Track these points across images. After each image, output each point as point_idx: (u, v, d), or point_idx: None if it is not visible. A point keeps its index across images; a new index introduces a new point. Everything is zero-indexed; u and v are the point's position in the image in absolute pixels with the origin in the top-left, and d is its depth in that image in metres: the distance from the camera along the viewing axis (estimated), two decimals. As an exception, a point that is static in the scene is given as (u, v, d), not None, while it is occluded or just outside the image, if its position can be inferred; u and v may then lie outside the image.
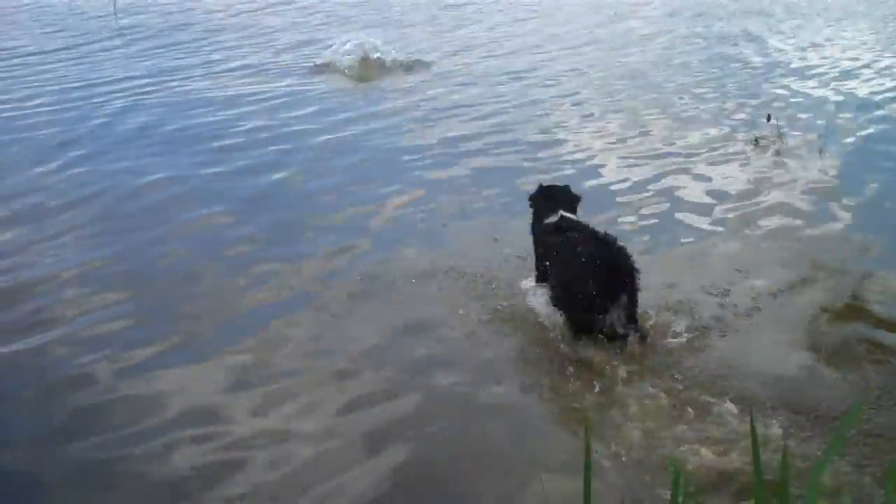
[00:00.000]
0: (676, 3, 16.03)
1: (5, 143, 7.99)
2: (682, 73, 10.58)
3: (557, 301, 4.16)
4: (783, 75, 10.49)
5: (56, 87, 9.95)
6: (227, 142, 7.91)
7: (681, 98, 9.38)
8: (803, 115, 8.67)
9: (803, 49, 12.07)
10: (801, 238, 5.75)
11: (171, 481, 3.46)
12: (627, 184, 6.79)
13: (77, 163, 7.32)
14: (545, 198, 4.62)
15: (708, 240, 5.74)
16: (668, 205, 6.33)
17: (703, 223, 6.00)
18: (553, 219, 4.40)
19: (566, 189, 4.73)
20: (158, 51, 12.06)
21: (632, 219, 6.04)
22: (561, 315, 4.18)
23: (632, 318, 3.94)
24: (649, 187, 6.71)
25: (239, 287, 5.11)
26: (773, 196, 6.49)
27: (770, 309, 4.64)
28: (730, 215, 6.14)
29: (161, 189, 6.71)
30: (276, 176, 7.00)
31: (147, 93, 9.65)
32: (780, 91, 9.69)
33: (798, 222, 6.00)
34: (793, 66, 11.01)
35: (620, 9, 15.70)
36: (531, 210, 4.72)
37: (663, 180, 6.84)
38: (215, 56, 11.66)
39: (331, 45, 11.39)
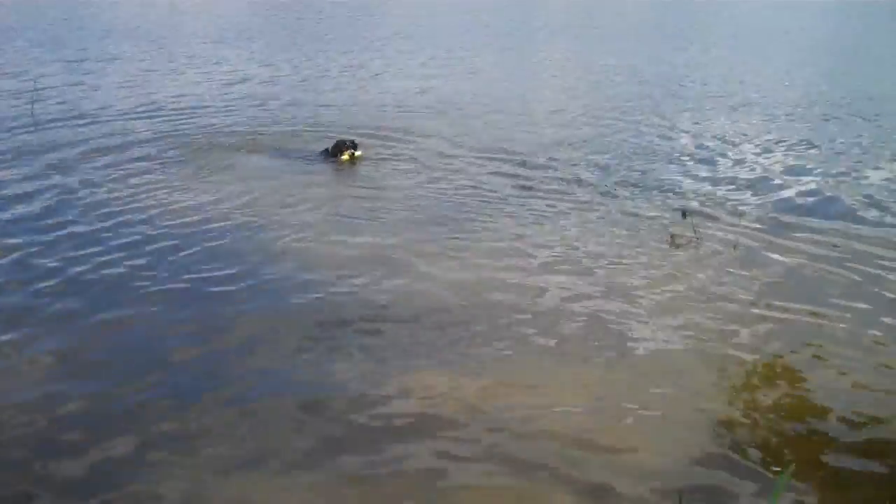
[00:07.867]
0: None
1: None
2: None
3: (329, 155, 10.57)
4: (696, 167, 10.51)
5: None
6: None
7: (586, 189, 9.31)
8: (719, 211, 8.61)
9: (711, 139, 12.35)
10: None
11: None
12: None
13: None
14: (335, 145, 10.60)
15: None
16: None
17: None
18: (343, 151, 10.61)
19: (348, 140, 10.66)
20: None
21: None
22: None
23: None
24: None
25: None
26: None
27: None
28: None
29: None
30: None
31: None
32: (694, 184, 9.61)
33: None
34: (702, 157, 11.09)
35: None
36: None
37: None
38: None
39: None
